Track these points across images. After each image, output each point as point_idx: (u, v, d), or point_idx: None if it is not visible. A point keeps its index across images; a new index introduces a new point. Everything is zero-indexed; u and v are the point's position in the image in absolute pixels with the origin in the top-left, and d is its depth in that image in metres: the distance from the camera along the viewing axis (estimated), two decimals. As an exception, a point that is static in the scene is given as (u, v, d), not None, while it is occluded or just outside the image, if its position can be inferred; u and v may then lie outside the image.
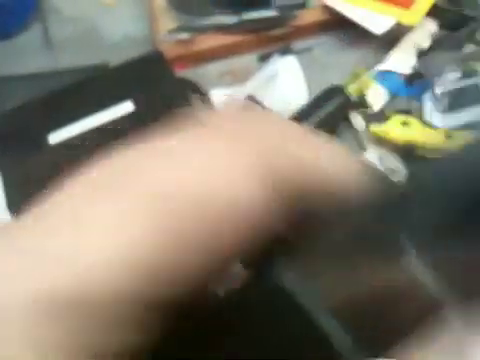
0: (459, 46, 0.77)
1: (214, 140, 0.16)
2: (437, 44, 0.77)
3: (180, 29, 0.80)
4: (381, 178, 0.20)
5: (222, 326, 0.16)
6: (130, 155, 0.16)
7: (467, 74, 0.75)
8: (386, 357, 0.15)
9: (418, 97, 0.74)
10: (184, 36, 0.79)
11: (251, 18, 0.80)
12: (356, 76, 0.72)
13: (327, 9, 0.80)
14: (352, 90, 0.71)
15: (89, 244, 0.14)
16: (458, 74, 0.75)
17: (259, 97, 0.72)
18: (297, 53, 0.78)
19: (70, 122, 0.67)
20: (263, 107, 0.72)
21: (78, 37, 0.86)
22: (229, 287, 0.16)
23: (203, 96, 0.78)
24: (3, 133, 0.68)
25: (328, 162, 0.17)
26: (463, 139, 0.67)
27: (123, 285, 0.14)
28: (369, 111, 0.73)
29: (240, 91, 0.73)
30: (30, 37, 0.86)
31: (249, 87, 0.73)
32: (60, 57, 0.81)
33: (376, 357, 0.15)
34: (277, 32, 0.80)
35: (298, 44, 0.80)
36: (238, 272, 0.17)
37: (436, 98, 0.73)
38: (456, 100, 0.73)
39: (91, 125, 0.66)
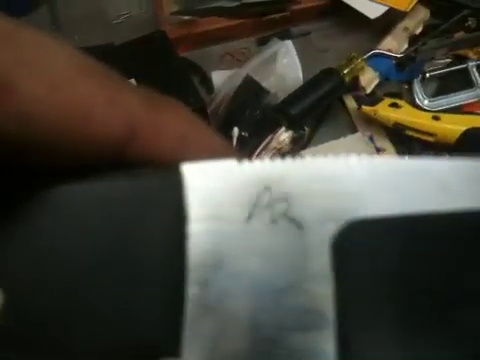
0: (450, 33, 0.80)
1: None
2: (428, 30, 0.81)
3: (183, 12, 0.83)
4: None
5: None
6: None
7: (456, 59, 0.78)
8: None
9: (409, 81, 0.77)
10: (186, 18, 0.81)
11: (251, 1, 0.83)
12: (350, 60, 0.75)
13: (324, -6, 0.81)
14: (346, 73, 0.73)
15: None
16: (448, 59, 0.77)
17: (257, 78, 0.74)
18: (295, 37, 0.81)
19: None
20: (261, 88, 0.74)
21: (84, 18, 0.89)
22: None
23: (204, 77, 0.80)
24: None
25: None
26: (449, 121, 0.70)
27: None
28: (361, 93, 0.77)
29: (239, 73, 0.76)
30: (37, 18, 0.89)
31: (248, 69, 0.76)
32: (67, 37, 0.83)
33: None
34: (276, 17, 0.83)
35: (296, 28, 0.84)
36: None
37: (425, 82, 0.75)
38: (444, 85, 0.76)
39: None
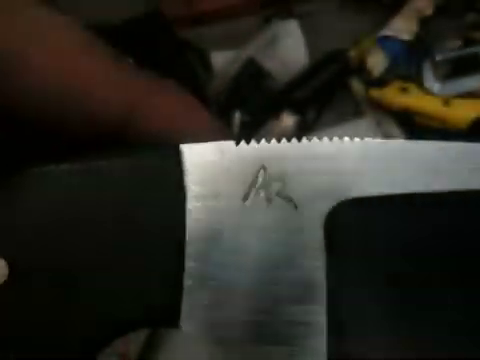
0: (461, 14, 0.79)
1: None
2: (439, 12, 0.80)
3: (181, -11, 0.79)
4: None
5: None
6: None
7: (468, 43, 0.76)
8: None
9: (418, 64, 0.75)
10: (185, -4, 0.77)
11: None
12: (357, 41, 0.73)
13: (330, -28, 0.79)
14: (353, 55, 0.71)
15: None
16: (459, 42, 0.74)
17: (259, 60, 0.71)
18: (299, 17, 0.79)
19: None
20: (263, 70, 0.71)
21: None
22: None
23: (203, 58, 0.77)
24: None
25: None
26: (460, 106, 0.66)
27: None
28: (369, 76, 0.76)
29: (240, 54, 0.72)
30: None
31: (249, 50, 0.73)
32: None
33: None
34: (279, -5, 0.79)
35: (300, 8, 0.81)
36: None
37: (436, 65, 0.72)
38: (455, 68, 0.74)
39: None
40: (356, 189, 0.19)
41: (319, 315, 0.19)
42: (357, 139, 0.20)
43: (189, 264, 0.19)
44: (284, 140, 0.20)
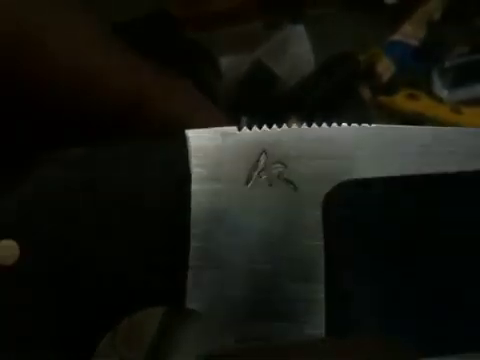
0: (470, 20, 0.79)
1: None
2: (448, 17, 0.80)
3: (191, -9, 0.79)
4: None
5: None
6: None
7: (476, 48, 0.75)
8: None
9: (427, 70, 0.75)
10: (195, -2, 0.77)
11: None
12: (365, 46, 0.71)
13: (340, -23, 0.79)
14: (361, 60, 0.70)
15: None
16: (467, 48, 0.73)
17: (267, 63, 0.71)
18: (307, 21, 0.78)
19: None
20: (272, 73, 0.70)
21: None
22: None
23: (211, 60, 0.76)
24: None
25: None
26: (470, 113, 0.66)
27: None
28: (377, 81, 0.76)
29: (249, 57, 0.72)
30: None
31: (257, 53, 0.73)
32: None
33: None
34: (288, -1, 0.78)
35: (309, 12, 0.80)
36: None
37: (445, 71, 0.71)
38: (464, 74, 0.74)
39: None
40: (354, 172, 0.20)
41: (318, 292, 0.20)
42: (354, 124, 0.21)
43: (194, 244, 0.20)
44: (284, 125, 0.21)
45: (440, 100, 0.73)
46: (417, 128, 0.21)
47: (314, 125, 0.21)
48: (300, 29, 0.79)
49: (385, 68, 0.75)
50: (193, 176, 0.20)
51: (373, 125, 0.21)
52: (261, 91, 0.73)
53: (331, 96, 0.73)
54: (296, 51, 0.77)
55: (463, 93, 0.74)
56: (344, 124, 0.21)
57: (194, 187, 0.20)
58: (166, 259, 0.20)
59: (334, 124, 0.21)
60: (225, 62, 0.78)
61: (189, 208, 0.20)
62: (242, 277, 0.20)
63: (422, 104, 0.71)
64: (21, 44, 0.19)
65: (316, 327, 0.20)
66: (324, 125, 0.21)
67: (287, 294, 0.20)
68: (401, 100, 0.71)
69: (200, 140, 0.20)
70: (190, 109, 0.22)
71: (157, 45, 0.74)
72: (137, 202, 0.20)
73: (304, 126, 0.21)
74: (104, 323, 0.20)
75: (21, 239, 0.19)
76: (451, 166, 0.21)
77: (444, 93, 0.74)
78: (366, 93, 0.75)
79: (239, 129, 0.21)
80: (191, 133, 0.20)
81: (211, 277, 0.20)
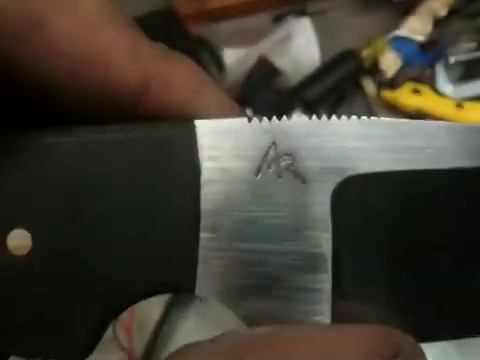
0: (475, 16, 0.79)
1: None
2: (454, 13, 0.79)
3: (195, -15, 0.78)
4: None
5: None
6: None
7: None
8: None
9: (431, 65, 0.76)
10: (199, -7, 0.77)
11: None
12: (370, 41, 0.74)
13: (345, -29, 0.79)
14: (366, 55, 0.71)
15: None
16: (473, 44, 0.73)
17: (271, 58, 0.71)
18: (312, 15, 0.78)
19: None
20: (276, 68, 0.70)
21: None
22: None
23: (215, 54, 0.76)
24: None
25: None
26: (474, 110, 0.65)
27: None
28: (381, 77, 0.76)
29: (252, 52, 0.71)
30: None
31: (261, 48, 0.73)
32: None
33: None
34: (293, -7, 0.78)
35: (313, 6, 0.80)
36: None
37: (449, 67, 0.71)
38: (469, 70, 0.73)
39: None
40: (362, 166, 0.21)
41: (325, 282, 0.20)
42: (364, 118, 0.21)
43: (203, 235, 0.20)
44: (294, 117, 0.21)
45: (444, 96, 0.72)
46: (425, 122, 0.21)
47: (324, 118, 0.21)
48: (305, 23, 0.79)
49: (390, 63, 0.75)
50: (203, 167, 0.20)
51: (382, 119, 0.21)
52: (265, 85, 0.73)
53: (335, 90, 0.73)
54: (301, 45, 0.76)
55: (468, 89, 0.73)
56: (353, 117, 0.21)
57: (203, 178, 0.20)
58: (176, 249, 0.20)
59: (344, 117, 0.21)
60: (229, 57, 0.78)
61: (199, 199, 0.20)
62: (250, 267, 0.20)
63: (426, 99, 0.71)
64: (23, 25, 0.19)
65: (323, 315, 0.20)
66: (334, 118, 0.21)
67: (294, 284, 0.20)
68: (405, 95, 0.71)
69: (209, 131, 0.20)
70: (195, 94, 0.21)
71: (162, 41, 0.73)
72: (146, 193, 0.20)
73: (314, 119, 0.21)
74: (114, 311, 0.20)
75: (32, 228, 0.19)
76: (459, 161, 0.21)
77: (448, 89, 0.74)
78: (370, 87, 0.75)
79: (249, 121, 0.21)
80: (200, 123, 0.20)
81: (219, 265, 0.20)
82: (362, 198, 0.21)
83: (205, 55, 0.79)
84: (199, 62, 0.75)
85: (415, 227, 0.21)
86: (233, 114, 0.21)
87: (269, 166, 0.20)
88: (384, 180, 0.21)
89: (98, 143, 0.20)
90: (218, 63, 0.80)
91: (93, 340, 0.20)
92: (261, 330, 0.19)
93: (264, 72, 0.74)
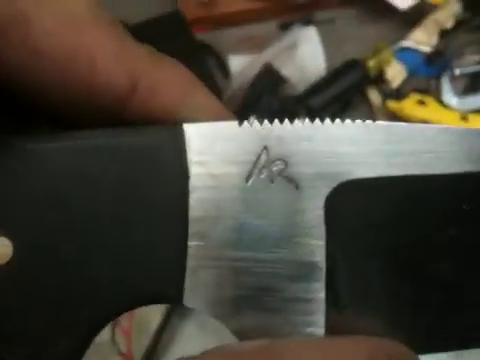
0: None
1: None
2: (460, 25, 0.79)
3: (202, -9, 0.78)
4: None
5: None
6: None
7: None
8: None
9: (437, 77, 0.75)
10: (205, -1, 0.77)
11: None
12: (376, 51, 0.74)
13: (352, -20, 0.79)
14: (371, 65, 0.70)
15: None
16: (478, 57, 0.72)
17: (276, 66, 0.71)
18: (318, 24, 0.78)
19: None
20: (281, 76, 0.70)
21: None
22: None
23: (220, 61, 0.76)
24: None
25: None
26: (478, 122, 0.65)
27: None
28: (386, 87, 0.76)
29: (258, 59, 0.71)
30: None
31: (267, 55, 0.73)
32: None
33: None
34: (299, 1, 0.79)
35: (320, 15, 0.81)
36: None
37: (454, 79, 0.71)
38: (474, 83, 0.74)
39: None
40: (357, 171, 0.20)
41: (318, 292, 0.20)
42: (358, 121, 0.20)
43: (192, 243, 0.19)
44: (287, 122, 0.20)
45: (449, 108, 0.72)
46: (423, 126, 0.20)
47: (317, 121, 0.20)
48: (311, 32, 0.79)
49: (396, 73, 0.75)
50: (191, 173, 0.20)
51: (378, 122, 0.20)
52: (270, 93, 0.72)
53: (339, 99, 0.73)
54: (307, 54, 0.76)
55: (472, 102, 0.73)
56: (348, 120, 0.20)
57: (192, 184, 0.19)
58: (163, 258, 0.19)
59: (337, 120, 0.20)
60: (235, 64, 0.78)
61: (187, 206, 0.19)
62: (241, 276, 0.20)
63: (431, 111, 0.71)
64: (7, 23, 0.18)
65: (316, 326, 0.20)
66: (327, 121, 0.20)
67: (287, 294, 0.20)
68: (410, 106, 0.71)
69: (198, 135, 0.20)
70: (184, 97, 0.20)
71: (167, 47, 0.73)
72: (132, 199, 0.19)
73: (307, 123, 0.20)
74: (98, 323, 0.20)
75: (13, 236, 0.19)
76: (456, 166, 0.20)
77: (453, 101, 0.73)
78: (375, 97, 0.75)
79: (240, 124, 0.20)
80: (189, 127, 0.20)
81: (209, 276, 0.20)
82: (357, 204, 0.20)
83: (211, 61, 0.79)
84: (204, 68, 0.76)
85: (413, 234, 0.20)
86: (224, 119, 0.20)
87: (261, 171, 0.20)
88: (380, 185, 0.20)
89: (81, 149, 0.19)
90: (223, 70, 0.80)
91: (76, 354, 0.20)
92: (250, 344, 0.18)
93: (269, 80, 0.73)
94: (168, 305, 0.59)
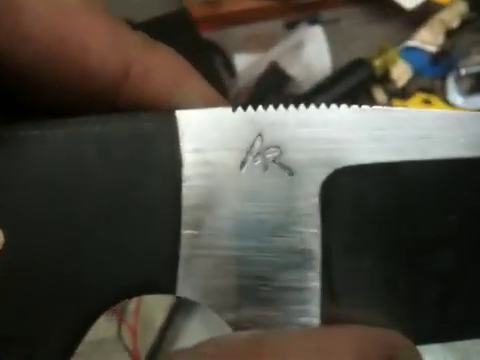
0: None
1: None
2: (466, 25, 0.79)
3: (209, -10, 0.79)
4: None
5: None
6: None
7: None
8: None
9: (442, 76, 0.76)
10: (212, -2, 0.77)
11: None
12: (382, 50, 0.73)
13: (358, -20, 0.79)
14: (377, 64, 0.70)
15: None
16: (484, 56, 0.73)
17: (282, 65, 0.71)
18: (324, 23, 0.79)
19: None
20: (286, 75, 0.70)
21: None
22: None
23: (226, 59, 0.76)
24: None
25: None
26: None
27: None
28: (392, 87, 0.75)
29: (264, 58, 0.71)
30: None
31: (273, 54, 0.73)
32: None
33: None
34: (306, 0, 0.78)
35: (326, 14, 0.81)
36: None
37: (460, 79, 0.71)
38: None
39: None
40: (352, 157, 0.20)
41: (313, 281, 0.20)
42: (354, 106, 0.20)
43: (185, 232, 0.19)
44: (281, 107, 0.20)
45: (455, 107, 0.72)
46: (420, 111, 0.20)
47: (312, 107, 0.20)
48: (317, 31, 0.79)
49: (401, 73, 0.75)
50: (184, 160, 0.19)
51: (374, 107, 0.20)
52: (275, 92, 0.72)
53: (345, 98, 0.73)
54: (312, 53, 0.76)
55: (478, 101, 0.73)
56: (343, 105, 0.20)
57: (186, 172, 0.19)
58: (156, 247, 0.19)
59: (333, 105, 0.20)
60: (241, 63, 0.78)
61: (180, 194, 0.19)
62: (235, 265, 0.19)
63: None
64: None
65: (311, 316, 0.19)
66: (322, 107, 0.20)
67: (282, 283, 0.19)
68: (415, 105, 0.70)
69: (191, 122, 0.19)
70: (177, 84, 0.20)
71: (173, 45, 0.74)
72: (125, 187, 0.19)
73: (302, 108, 0.20)
74: (93, 310, 0.19)
75: (6, 225, 0.18)
76: (454, 151, 0.20)
77: (459, 100, 0.73)
78: (381, 96, 0.75)
79: (233, 111, 0.20)
80: (182, 114, 0.19)
81: (203, 265, 0.19)
82: (353, 191, 0.20)
83: (216, 60, 0.78)
84: (210, 67, 0.76)
85: (411, 222, 0.20)
86: (218, 106, 0.20)
87: (255, 158, 0.19)
88: (377, 172, 0.20)
89: (74, 136, 0.19)
90: (229, 68, 0.79)
91: (69, 348, 0.19)
92: (242, 335, 0.18)
93: (275, 78, 0.73)
94: (173, 302, 0.60)
